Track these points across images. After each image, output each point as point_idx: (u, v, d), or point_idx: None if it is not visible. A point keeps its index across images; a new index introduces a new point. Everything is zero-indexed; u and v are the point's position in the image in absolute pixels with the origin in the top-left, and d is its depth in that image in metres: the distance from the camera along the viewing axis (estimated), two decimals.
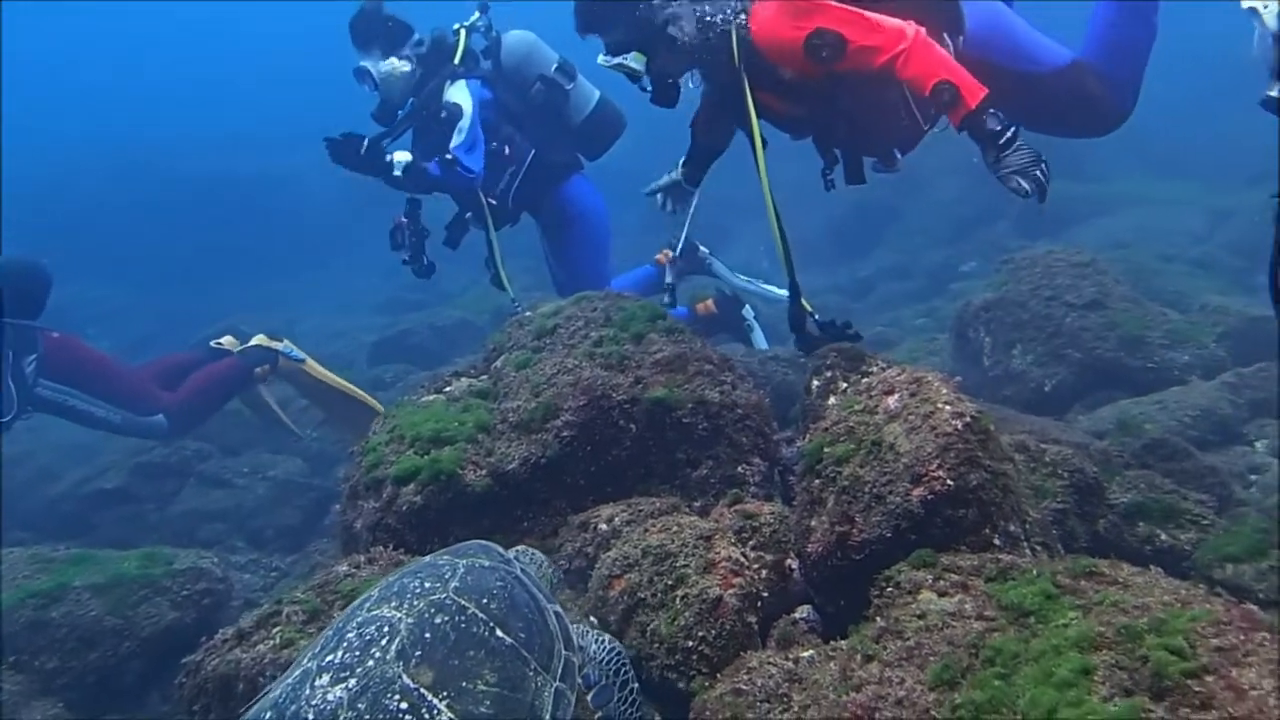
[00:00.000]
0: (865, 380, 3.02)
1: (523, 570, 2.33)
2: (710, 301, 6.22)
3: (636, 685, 2.29)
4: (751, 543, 2.83)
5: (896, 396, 2.73)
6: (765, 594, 2.72)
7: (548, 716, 2.00)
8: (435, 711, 1.85)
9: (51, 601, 4.16)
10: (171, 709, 4.08)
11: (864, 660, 2.22)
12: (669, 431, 3.47)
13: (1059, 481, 3.19)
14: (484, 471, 3.38)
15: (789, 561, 2.85)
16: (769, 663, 2.45)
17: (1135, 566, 2.33)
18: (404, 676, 1.88)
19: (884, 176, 4.44)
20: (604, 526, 3.15)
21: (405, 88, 5.77)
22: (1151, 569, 2.37)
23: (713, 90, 4.30)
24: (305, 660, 2.00)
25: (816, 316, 4.07)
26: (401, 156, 5.40)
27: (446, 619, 2.02)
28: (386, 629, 1.98)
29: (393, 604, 2.05)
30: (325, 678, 1.89)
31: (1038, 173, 3.66)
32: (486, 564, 2.24)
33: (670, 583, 2.68)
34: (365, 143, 5.35)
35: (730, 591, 2.61)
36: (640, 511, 3.14)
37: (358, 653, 1.93)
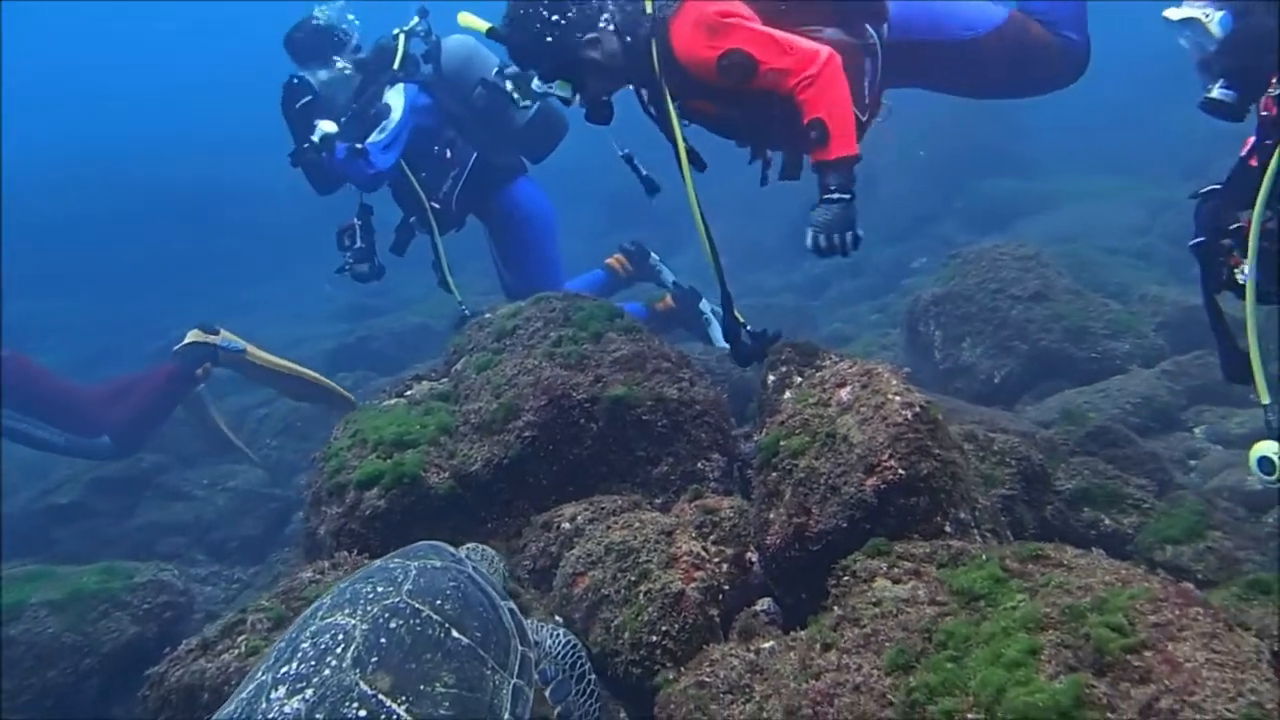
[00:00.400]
0: (819, 374, 3.09)
1: (475, 568, 2.33)
2: (669, 298, 6.29)
3: (594, 677, 2.31)
4: (712, 537, 2.89)
5: (849, 389, 2.81)
6: (726, 587, 2.78)
7: (507, 714, 2.01)
8: (394, 717, 1.85)
9: (8, 620, 4.09)
10: None
11: (823, 649, 2.29)
12: (629, 429, 3.52)
13: (1007, 469, 3.30)
14: (447, 474, 3.41)
15: (749, 554, 2.91)
16: (731, 655, 2.51)
17: (1079, 549, 2.43)
18: (361, 684, 1.87)
19: None
20: (567, 525, 3.19)
21: (347, 95, 5.77)
22: (1094, 551, 2.47)
23: (644, 102, 4.33)
24: (259, 673, 1.97)
25: (749, 328, 4.11)
26: (327, 126, 5.37)
27: (401, 623, 2.01)
28: (341, 637, 1.96)
29: (346, 611, 2.03)
30: (281, 690, 1.88)
31: (837, 237, 3.82)
32: (438, 564, 2.24)
33: (633, 578, 2.73)
34: (303, 101, 5.40)
35: (692, 585, 2.67)
36: (602, 509, 3.19)
37: (313, 662, 1.91)
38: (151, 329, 12.27)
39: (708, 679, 2.43)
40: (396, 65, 5.70)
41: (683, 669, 2.54)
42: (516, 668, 2.11)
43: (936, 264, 9.26)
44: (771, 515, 2.77)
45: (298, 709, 1.82)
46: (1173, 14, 3.12)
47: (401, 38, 5.79)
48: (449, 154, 6.00)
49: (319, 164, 5.49)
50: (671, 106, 3.98)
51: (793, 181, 4.37)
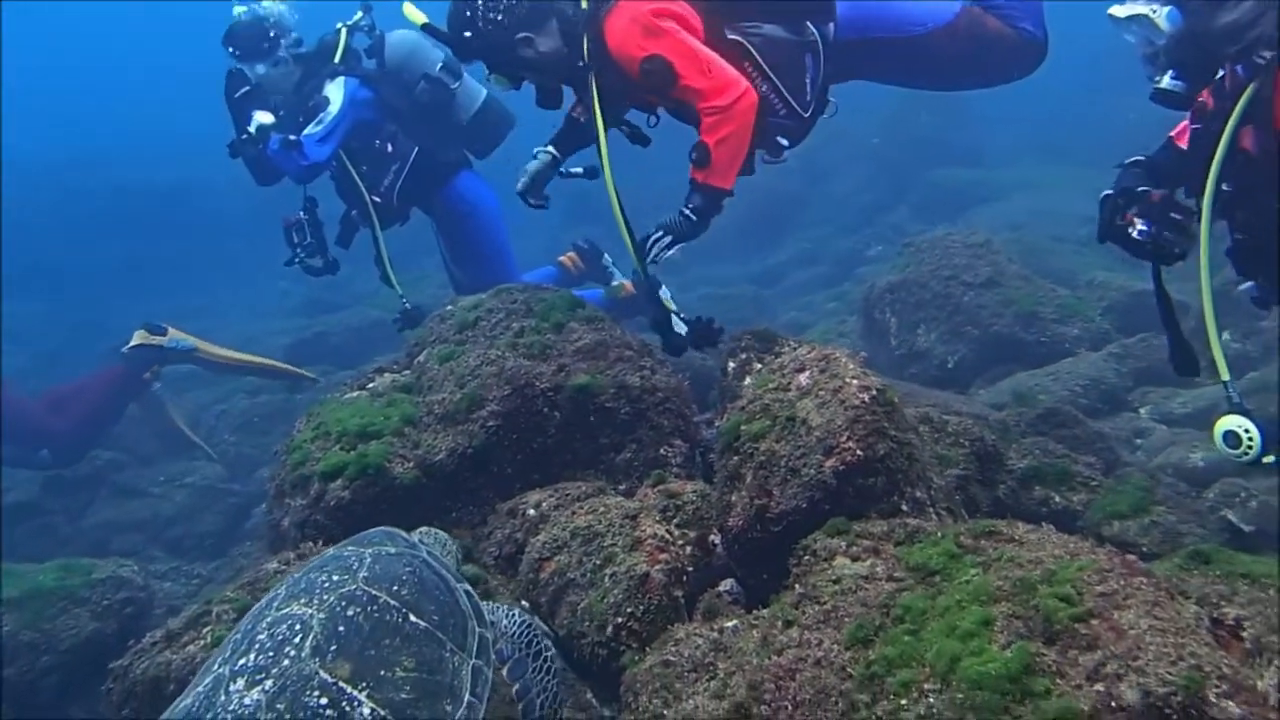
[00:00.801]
0: (778, 360, 3.15)
1: (429, 552, 2.34)
2: (629, 284, 6.32)
3: (551, 654, 2.33)
4: (676, 520, 2.94)
5: (807, 374, 2.87)
6: (690, 569, 2.83)
7: (467, 694, 2.03)
8: (356, 703, 1.85)
9: None
10: None
11: (784, 626, 2.35)
12: (592, 417, 3.56)
13: (961, 450, 3.39)
14: (411, 464, 3.42)
15: (712, 537, 2.97)
16: (695, 634, 2.56)
17: (1030, 525, 2.52)
18: (321, 672, 1.87)
19: (790, 168, 4.57)
20: (532, 512, 3.22)
21: (287, 87, 5.74)
22: (1044, 527, 2.56)
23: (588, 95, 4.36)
24: (215, 666, 1.96)
25: (682, 315, 4.14)
26: (263, 118, 5.37)
27: (359, 610, 2.02)
28: (299, 627, 1.96)
29: (302, 601, 2.03)
30: (240, 682, 1.87)
31: (664, 243, 3.96)
32: (393, 551, 2.25)
33: (599, 562, 2.78)
34: (242, 91, 5.40)
35: (657, 568, 2.72)
36: (567, 495, 3.22)
37: (271, 653, 1.91)
38: (103, 331, 12.05)
39: (673, 658, 2.48)
40: (337, 59, 5.68)
41: (648, 649, 2.59)
42: (475, 648, 2.13)
43: (891, 253, 9.41)
44: (733, 498, 2.83)
45: (258, 700, 1.82)
46: (1119, 11, 3.22)
47: (343, 31, 5.77)
48: (390, 148, 5.99)
49: (258, 155, 5.45)
50: (597, 100, 4.02)
51: (747, 175, 4.42)
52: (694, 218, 3.94)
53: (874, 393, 2.68)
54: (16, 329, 14.07)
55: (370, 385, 4.16)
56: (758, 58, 4.06)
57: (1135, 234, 3.21)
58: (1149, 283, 6.15)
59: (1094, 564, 2.14)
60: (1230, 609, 2.18)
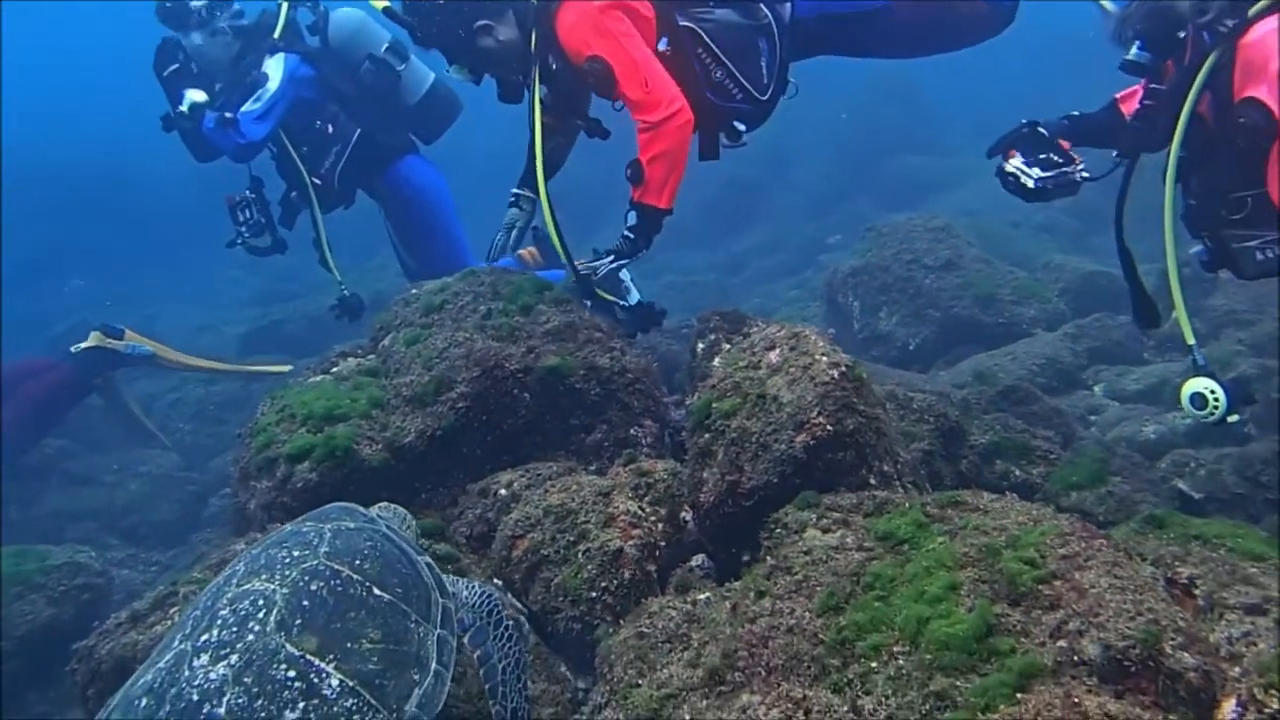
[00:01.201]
0: (748, 339, 3.19)
1: (388, 526, 2.35)
2: (534, 249, 6.28)
3: (510, 623, 2.36)
4: (647, 498, 2.97)
5: (777, 352, 2.92)
6: (663, 545, 2.87)
7: (434, 663, 2.04)
8: (324, 675, 1.86)
9: None
10: (49, 709, 3.96)
11: (757, 596, 2.40)
12: (562, 398, 3.58)
13: (925, 426, 3.46)
14: (380, 446, 3.42)
15: (683, 514, 3.00)
16: (668, 607, 2.60)
17: (994, 495, 2.59)
18: (288, 646, 1.87)
19: (751, 155, 4.60)
20: (503, 492, 3.23)
21: (224, 60, 5.59)
22: (1008, 496, 2.64)
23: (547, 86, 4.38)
24: (175, 643, 1.95)
25: (622, 305, 4.18)
26: (195, 96, 5.22)
27: (322, 584, 2.02)
28: (262, 602, 1.95)
29: (263, 576, 2.03)
30: (204, 657, 1.86)
31: (602, 267, 4.06)
32: (352, 525, 2.25)
33: (572, 538, 2.80)
34: (171, 69, 5.25)
35: (630, 543, 2.75)
36: (539, 475, 3.24)
37: (235, 629, 1.90)
38: (41, 320, 11.77)
39: (646, 630, 2.51)
40: (276, 34, 5.55)
41: (622, 622, 2.62)
42: (439, 619, 2.15)
43: (851, 240, 9.52)
44: (705, 474, 2.87)
45: (224, 674, 1.82)
46: None
47: (284, 6, 5.62)
48: (331, 129, 5.87)
49: (194, 131, 5.32)
50: (539, 92, 4.07)
51: (712, 159, 4.46)
52: (633, 237, 4.00)
53: (843, 369, 2.74)
54: None
55: (334, 369, 4.13)
56: (710, 44, 4.07)
57: (1008, 167, 3.55)
58: (1103, 264, 6.33)
59: (1056, 529, 2.22)
60: (1184, 569, 2.26)
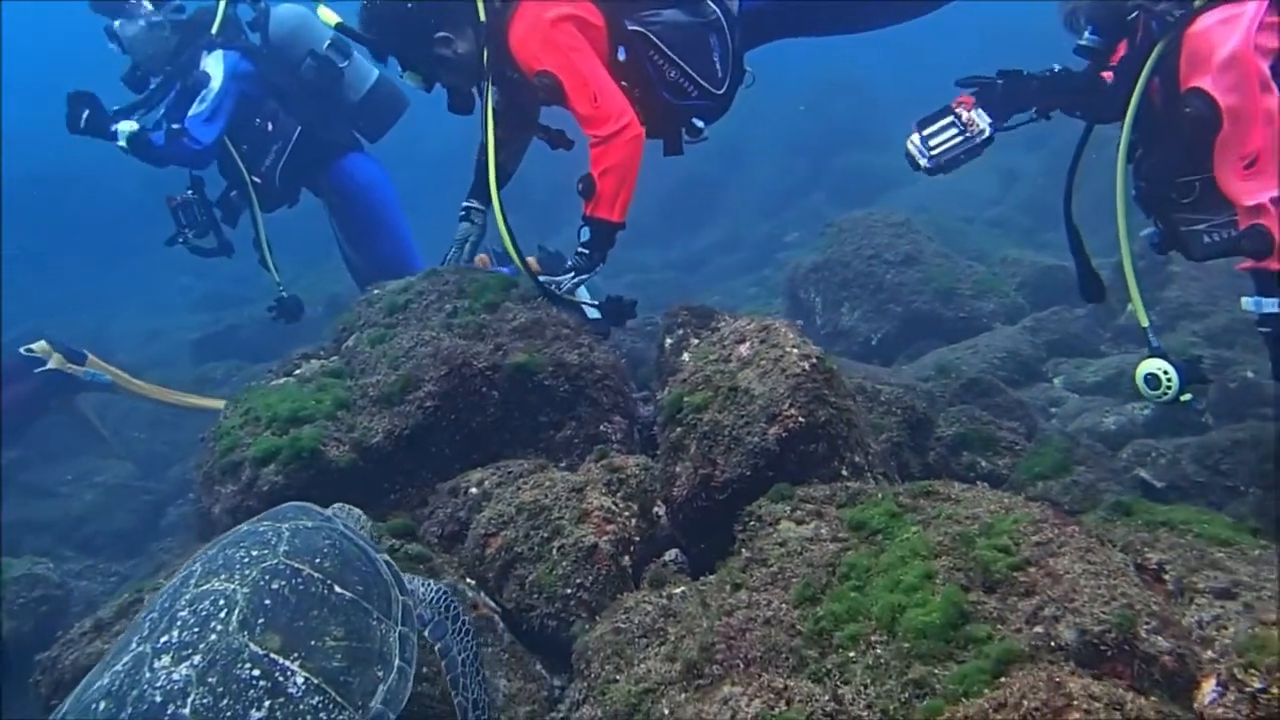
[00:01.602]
0: (717, 333, 3.20)
1: (345, 524, 2.35)
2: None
3: (466, 619, 2.39)
4: (620, 493, 2.96)
5: (748, 345, 2.92)
6: (637, 539, 2.86)
7: (397, 659, 2.06)
8: (289, 673, 1.87)
9: None
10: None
11: (733, 589, 2.40)
12: (531, 395, 3.55)
13: (893, 418, 3.49)
14: (347, 447, 3.36)
15: (656, 509, 3.00)
16: (644, 601, 2.59)
17: (965, 484, 2.62)
18: (251, 645, 1.87)
19: (708, 152, 4.62)
20: (474, 490, 3.20)
21: (159, 54, 5.49)
22: (978, 485, 2.67)
23: (501, 96, 4.37)
24: (133, 645, 1.93)
25: (593, 304, 4.18)
26: (127, 127, 5.09)
27: (283, 583, 2.02)
28: (223, 602, 1.95)
29: (223, 576, 2.02)
30: (165, 658, 1.84)
31: (565, 282, 4.10)
32: (310, 524, 2.25)
33: (546, 535, 2.78)
34: (85, 115, 5.03)
35: (605, 538, 2.74)
36: (510, 473, 3.21)
37: (196, 629, 1.89)
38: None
39: (623, 625, 2.50)
40: (215, 30, 5.46)
41: (598, 618, 2.61)
42: (400, 616, 2.16)
43: (809, 237, 9.59)
44: (678, 468, 2.87)
45: (187, 675, 1.81)
46: None
47: (223, 2, 5.53)
48: (271, 126, 5.79)
49: (147, 153, 5.20)
50: (490, 99, 4.06)
51: (676, 155, 4.47)
52: (587, 252, 4.02)
53: (814, 361, 2.75)
54: None
55: (297, 372, 4.06)
56: (661, 45, 4.09)
57: (908, 146, 3.75)
58: (1058, 259, 6.44)
59: (1028, 516, 2.24)
60: (1153, 554, 2.30)
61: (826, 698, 1.96)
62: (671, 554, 2.91)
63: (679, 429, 2.91)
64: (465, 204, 4.71)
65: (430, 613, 2.35)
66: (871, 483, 2.78)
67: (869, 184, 12.31)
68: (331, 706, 1.87)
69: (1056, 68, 3.58)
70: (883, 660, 2.00)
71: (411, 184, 6.48)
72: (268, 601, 1.96)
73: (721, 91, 4.24)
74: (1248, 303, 3.07)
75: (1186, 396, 3.19)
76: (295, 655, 1.89)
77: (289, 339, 9.08)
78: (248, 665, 1.84)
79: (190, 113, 5.22)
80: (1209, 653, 1.91)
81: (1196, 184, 3.25)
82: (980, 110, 3.60)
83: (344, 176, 6.04)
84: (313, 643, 1.93)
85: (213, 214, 5.71)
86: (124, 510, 6.15)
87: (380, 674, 2.00)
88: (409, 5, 4.09)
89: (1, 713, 3.71)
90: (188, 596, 1.98)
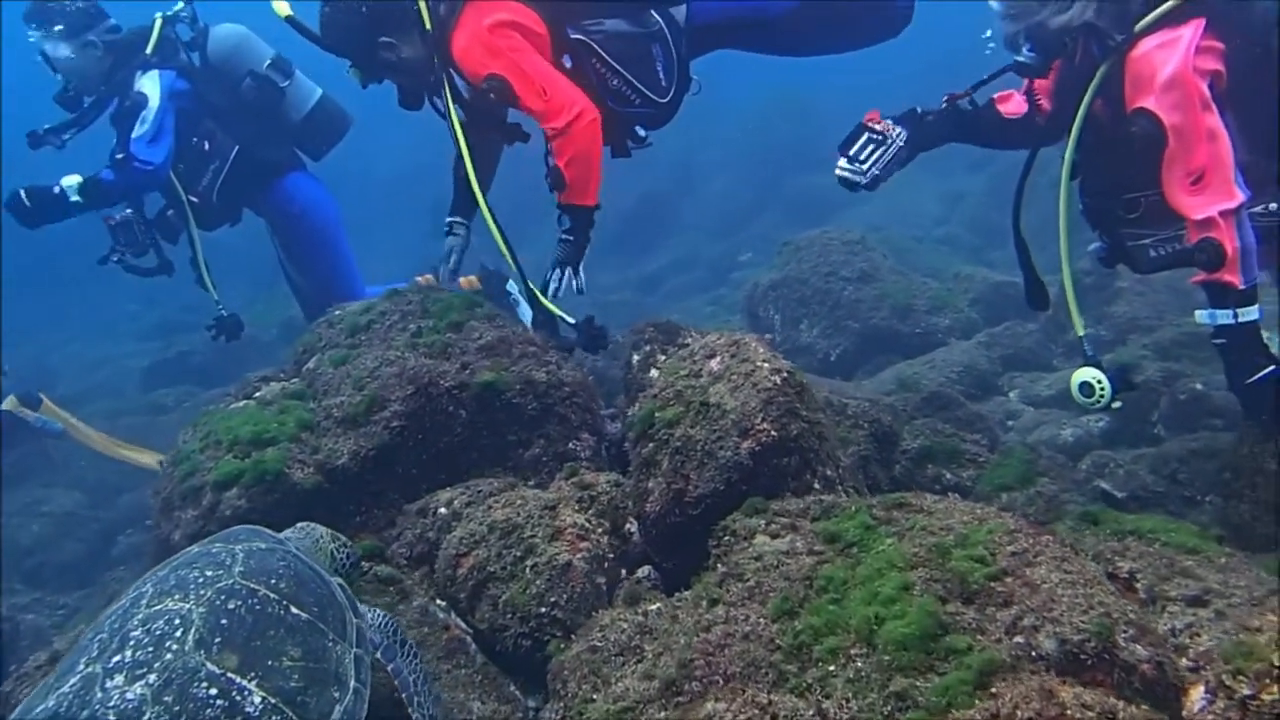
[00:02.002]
0: (687, 348, 3.20)
1: (298, 547, 2.35)
2: (475, 278, 6.22)
3: (411, 644, 2.41)
4: (591, 511, 2.94)
5: (719, 359, 2.93)
6: (610, 557, 2.84)
7: (353, 681, 2.06)
8: (246, 693, 1.85)
9: None
10: None
11: (710, 604, 2.39)
12: (499, 414, 3.52)
13: (860, 431, 3.53)
14: (312, 469, 3.30)
15: (628, 526, 2.98)
16: (620, 619, 2.57)
17: (937, 496, 2.64)
18: (208, 664, 1.86)
19: (660, 171, 4.65)
20: (444, 510, 3.16)
21: (94, 75, 5.41)
22: (950, 496, 2.69)
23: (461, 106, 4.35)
24: (81, 666, 1.89)
25: (570, 321, 4.15)
26: (70, 180, 5.06)
27: (239, 603, 2.01)
28: (178, 621, 1.93)
29: (176, 597, 2.00)
30: (118, 678, 1.82)
31: (569, 272, 4.10)
32: (263, 546, 2.25)
33: (519, 554, 2.75)
34: (31, 208, 5.05)
35: (579, 556, 2.72)
36: (480, 492, 3.18)
37: (150, 649, 1.87)
38: None
39: (599, 643, 2.48)
40: (149, 50, 5.39)
41: (573, 637, 2.58)
42: (355, 637, 2.17)
43: (762, 258, 9.68)
44: (650, 484, 2.85)
45: (142, 694, 1.79)
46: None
47: (158, 21, 5.48)
48: (208, 146, 5.73)
49: (104, 195, 5.16)
50: (452, 105, 4.06)
51: (624, 158, 4.48)
52: (571, 238, 4.03)
53: (785, 375, 2.76)
54: None
55: (257, 394, 3.98)
56: (603, 54, 4.11)
57: (838, 173, 3.76)
58: (1008, 275, 6.57)
59: (1003, 526, 2.27)
60: (1124, 563, 2.34)
61: (811, 712, 1.95)
62: (644, 571, 2.90)
63: (651, 444, 2.90)
64: (449, 219, 4.69)
65: (380, 636, 2.36)
66: (843, 495, 2.79)
67: (820, 205, 12.46)
68: None
69: (962, 102, 3.80)
70: (863, 673, 2.00)
71: (362, 209, 6.40)
72: (224, 621, 1.95)
73: (666, 100, 4.27)
74: (1201, 316, 3.16)
75: (1118, 404, 3.31)
76: (252, 675, 1.89)
77: (242, 364, 8.93)
78: (204, 684, 1.82)
79: (133, 135, 5.15)
80: (1184, 660, 1.94)
81: (1142, 200, 3.36)
82: (888, 119, 3.75)
83: (285, 197, 5.98)
84: (270, 663, 1.93)
85: (152, 232, 5.61)
86: (72, 540, 5.98)
87: (337, 695, 2.00)
88: (363, 9, 4.08)
89: None
90: (140, 616, 1.95)
